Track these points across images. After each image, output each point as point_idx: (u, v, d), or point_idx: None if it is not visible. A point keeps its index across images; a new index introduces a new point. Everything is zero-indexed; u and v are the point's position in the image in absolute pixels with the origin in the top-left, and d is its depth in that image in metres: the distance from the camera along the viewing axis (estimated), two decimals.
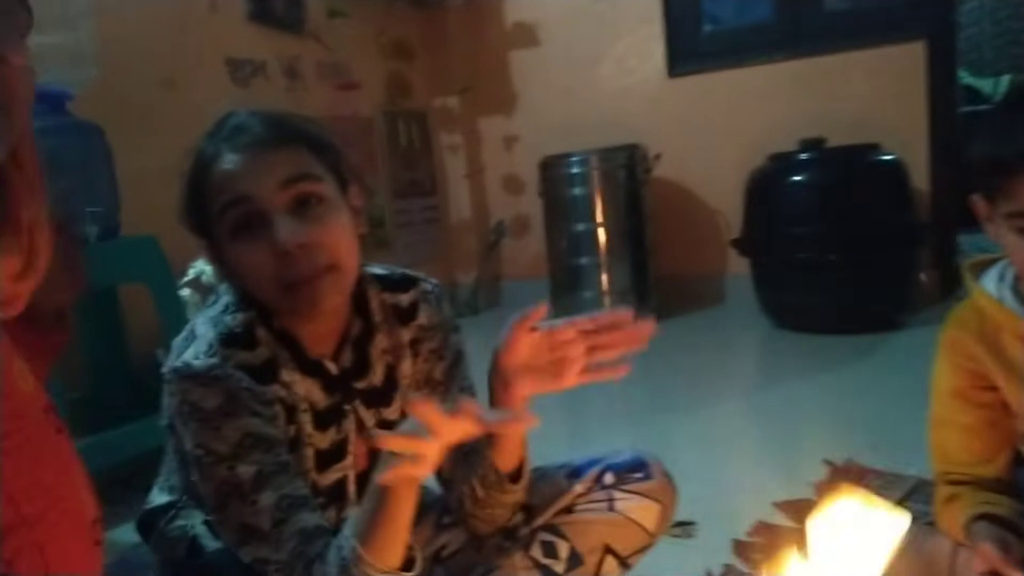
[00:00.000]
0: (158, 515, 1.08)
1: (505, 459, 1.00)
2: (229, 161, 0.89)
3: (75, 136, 1.82)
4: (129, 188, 1.96)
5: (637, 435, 2.05)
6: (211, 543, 1.03)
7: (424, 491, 1.20)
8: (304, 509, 0.90)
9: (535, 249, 3.75)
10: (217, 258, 0.95)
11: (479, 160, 4.00)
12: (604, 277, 3.23)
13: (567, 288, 3.33)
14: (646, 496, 1.10)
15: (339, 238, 0.92)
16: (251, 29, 2.94)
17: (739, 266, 3.15)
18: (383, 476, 0.79)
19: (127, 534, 1.12)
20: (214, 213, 0.90)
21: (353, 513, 0.87)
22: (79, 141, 1.83)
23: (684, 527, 1.38)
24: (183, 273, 2.14)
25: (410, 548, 0.86)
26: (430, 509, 1.19)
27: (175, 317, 1.95)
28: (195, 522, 1.06)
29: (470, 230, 4.04)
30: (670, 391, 2.45)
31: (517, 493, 1.04)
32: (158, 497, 1.11)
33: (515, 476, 1.02)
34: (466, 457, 1.03)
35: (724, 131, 3.35)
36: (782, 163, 2.88)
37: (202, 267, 2.20)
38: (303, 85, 3.17)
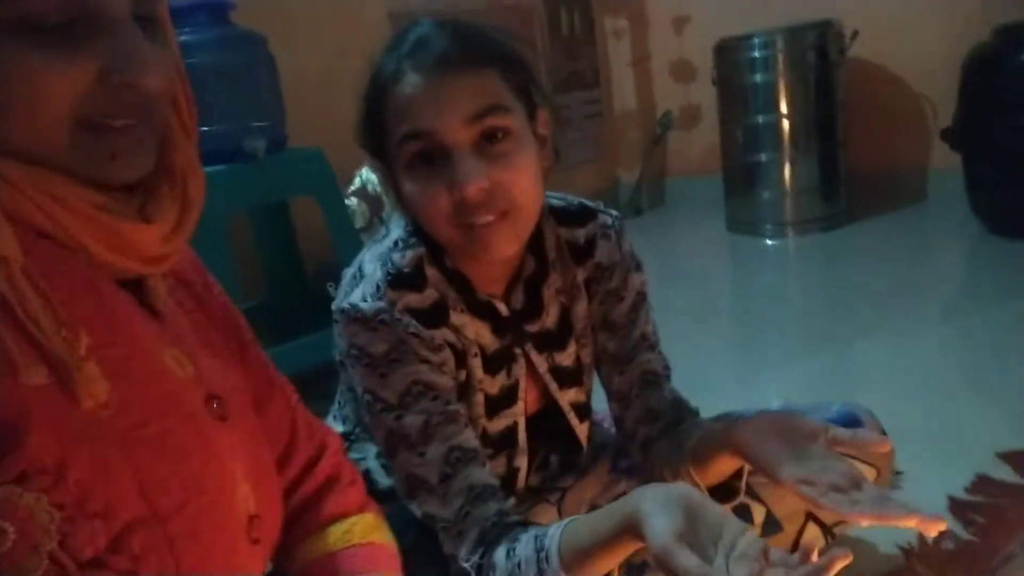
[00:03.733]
0: None
1: (709, 476, 0.90)
2: (411, 84, 0.80)
3: (239, 47, 1.80)
4: (291, 97, 1.94)
5: (820, 361, 1.85)
6: (384, 479, 1.02)
7: (597, 430, 1.13)
8: (473, 464, 0.86)
9: (706, 143, 3.49)
10: (392, 183, 0.89)
11: (645, 46, 3.72)
12: (787, 174, 2.94)
13: (743, 186, 3.07)
14: (858, 459, 0.96)
15: (522, 178, 0.82)
16: None
17: (946, 160, 2.77)
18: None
19: None
20: (393, 142, 0.83)
21: (566, 524, 0.79)
22: (243, 52, 1.80)
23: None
24: (349, 182, 2.13)
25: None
26: (603, 450, 1.12)
27: (344, 228, 1.96)
28: (368, 455, 1.05)
29: (634, 123, 3.81)
30: (860, 307, 2.21)
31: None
32: (333, 426, 1.10)
33: (722, 495, 0.91)
34: (675, 434, 0.94)
35: (937, 2, 2.87)
36: (1011, 38, 2.43)
37: (368, 176, 2.18)
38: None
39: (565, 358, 1.00)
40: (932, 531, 0.68)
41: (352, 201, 2.16)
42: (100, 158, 0.50)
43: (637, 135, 3.81)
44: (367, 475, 1.03)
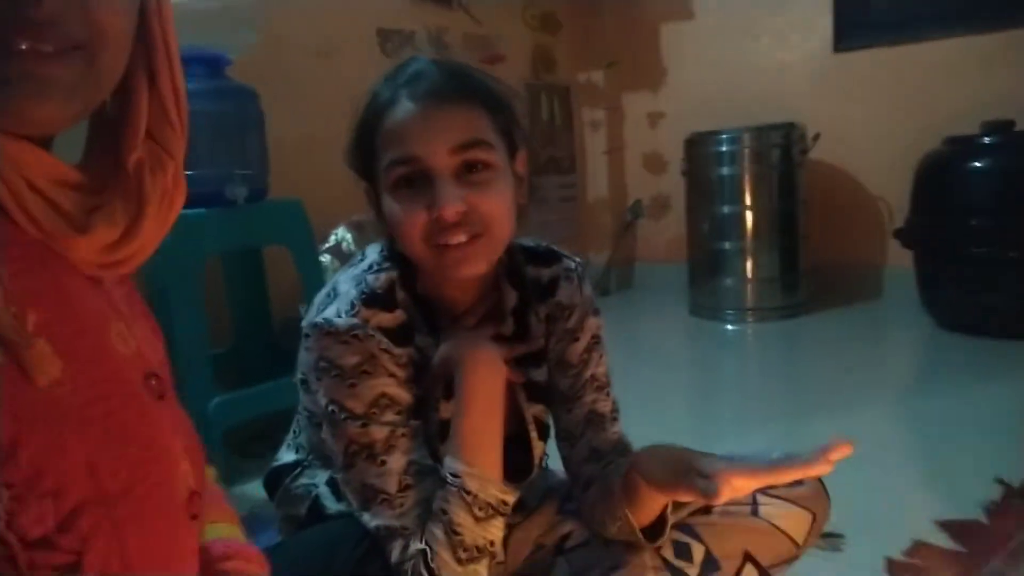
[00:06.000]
0: (284, 472, 1.09)
1: (641, 514, 0.94)
2: (403, 110, 0.87)
3: (231, 99, 1.88)
4: (277, 153, 2.01)
5: (774, 436, 1.90)
6: (332, 504, 1.03)
7: (546, 472, 1.16)
8: (430, 478, 0.89)
9: (673, 231, 3.61)
10: (375, 202, 0.94)
11: (620, 137, 3.89)
12: (749, 263, 3.05)
13: (707, 274, 3.18)
14: (796, 503, 1.00)
15: (497, 206, 0.88)
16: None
17: (900, 259, 2.91)
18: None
19: (259, 488, 1.13)
20: (381, 164, 0.88)
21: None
22: (234, 104, 1.88)
23: (831, 539, 1.25)
24: (324, 239, 2.18)
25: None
26: (553, 492, 1.14)
27: (315, 281, 1.99)
28: (319, 481, 1.06)
29: (606, 209, 3.95)
30: (813, 389, 2.27)
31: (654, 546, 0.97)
32: (285, 455, 1.12)
33: (653, 533, 0.95)
34: (603, 472, 0.98)
35: (893, 111, 3.07)
36: (961, 147, 2.60)
37: (343, 234, 2.24)
38: (449, 56, 3.16)
39: (539, 375, 1.03)
40: (842, 453, 0.75)
41: (326, 258, 2.21)
42: None
43: (608, 220, 3.94)
44: (316, 500, 1.04)
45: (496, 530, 0.86)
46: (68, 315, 0.49)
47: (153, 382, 0.55)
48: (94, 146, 0.55)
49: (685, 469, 0.84)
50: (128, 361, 0.53)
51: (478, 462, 0.86)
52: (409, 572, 0.84)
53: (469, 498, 0.84)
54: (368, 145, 0.90)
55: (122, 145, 0.53)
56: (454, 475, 0.86)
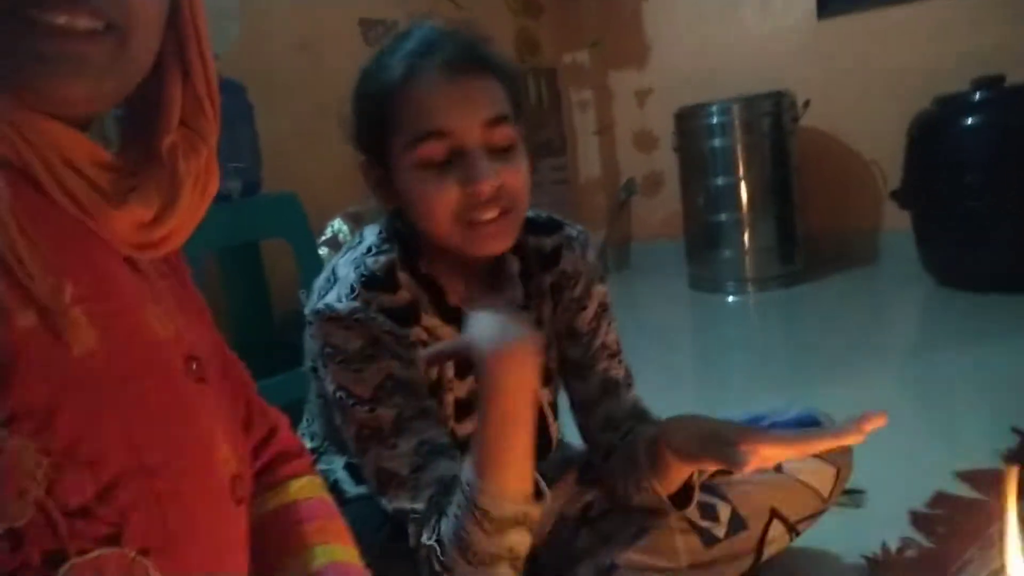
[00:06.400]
0: None
1: (667, 484, 0.93)
2: (427, 83, 0.84)
3: (220, 93, 1.85)
4: (268, 147, 1.99)
5: (782, 400, 1.89)
6: (352, 488, 1.02)
7: (563, 444, 1.15)
8: (443, 456, 0.87)
9: (668, 208, 3.60)
10: (377, 177, 0.91)
11: (609, 116, 3.87)
12: (746, 234, 3.03)
13: (704, 247, 3.16)
14: (819, 457, 0.99)
15: (523, 181, 0.88)
16: None
17: (896, 221, 2.90)
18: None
19: None
20: (404, 138, 0.85)
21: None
22: (223, 98, 1.85)
23: (852, 495, 1.24)
24: (321, 231, 2.16)
25: (536, 480, 0.81)
26: (571, 463, 1.13)
27: (314, 273, 1.96)
28: (336, 467, 1.05)
29: (599, 189, 3.93)
30: (820, 353, 2.26)
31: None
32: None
33: (680, 501, 0.95)
34: (624, 442, 0.97)
35: (882, 74, 3.05)
36: (952, 105, 2.58)
37: (340, 226, 2.22)
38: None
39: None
40: (876, 424, 0.77)
41: (323, 250, 2.19)
42: (24, 59, 0.45)
43: (601, 201, 3.92)
44: (335, 484, 1.03)
45: (516, 538, 0.78)
46: (105, 292, 0.49)
47: (194, 366, 0.55)
48: (128, 132, 0.56)
49: (713, 439, 0.83)
50: (167, 342, 0.53)
51: (496, 477, 0.76)
52: (423, 560, 0.82)
53: (479, 514, 0.76)
54: (378, 118, 0.87)
55: (156, 130, 0.55)
56: (468, 485, 0.78)
